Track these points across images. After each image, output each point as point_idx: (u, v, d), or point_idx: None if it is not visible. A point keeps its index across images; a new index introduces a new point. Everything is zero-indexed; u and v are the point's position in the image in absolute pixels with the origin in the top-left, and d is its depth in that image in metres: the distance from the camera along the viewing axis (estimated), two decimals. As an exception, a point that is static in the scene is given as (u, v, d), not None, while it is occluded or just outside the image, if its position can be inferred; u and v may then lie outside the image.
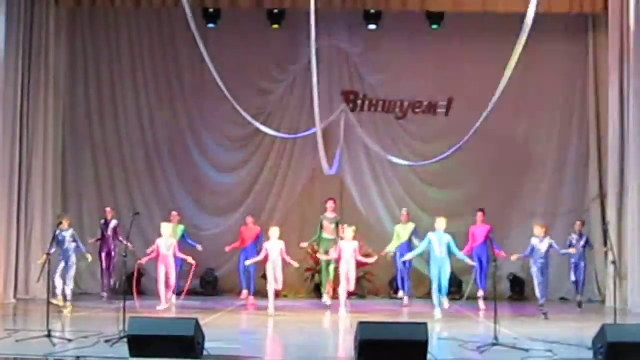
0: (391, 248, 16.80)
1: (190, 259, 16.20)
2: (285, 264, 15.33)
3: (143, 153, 19.42)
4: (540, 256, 14.81)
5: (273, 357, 10.82)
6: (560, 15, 18.25)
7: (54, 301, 14.91)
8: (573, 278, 16.37)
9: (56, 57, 18.01)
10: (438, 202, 18.96)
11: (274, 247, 15.19)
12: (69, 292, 15.19)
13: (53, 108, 17.96)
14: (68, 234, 15.39)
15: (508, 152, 19.14)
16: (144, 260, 15.82)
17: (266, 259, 15.28)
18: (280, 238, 15.35)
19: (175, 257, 15.80)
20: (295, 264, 15.59)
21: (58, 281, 15.12)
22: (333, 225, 16.51)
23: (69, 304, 15.04)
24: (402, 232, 16.91)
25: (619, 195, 17.12)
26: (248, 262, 15.96)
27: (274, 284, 15.11)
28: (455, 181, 19.24)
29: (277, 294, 15.68)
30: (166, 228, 15.79)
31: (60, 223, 14.93)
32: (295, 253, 16.14)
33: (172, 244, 15.62)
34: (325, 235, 16.53)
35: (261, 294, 16.43)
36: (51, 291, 15.43)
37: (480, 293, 16.32)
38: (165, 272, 15.54)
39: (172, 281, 15.77)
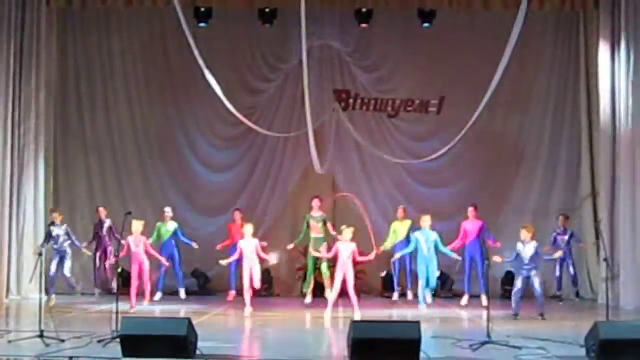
0: (388, 245, 16.79)
1: (164, 260, 16.27)
2: (262, 261, 15.21)
3: (135, 152, 19.41)
4: (525, 263, 14.56)
5: (266, 356, 10.81)
6: (552, 13, 18.30)
7: (51, 302, 14.95)
8: (558, 274, 16.37)
9: (47, 57, 17.96)
10: (430, 201, 18.98)
11: (248, 245, 14.96)
12: (73, 281, 15.37)
13: (44, 108, 17.90)
14: (62, 231, 15.41)
15: (500, 150, 19.16)
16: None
17: (242, 258, 15.08)
18: (272, 237, 15.30)
19: (148, 254, 15.62)
20: (272, 260, 15.45)
21: (54, 277, 15.21)
22: (320, 224, 16.26)
23: (78, 288, 15.25)
24: (399, 229, 16.90)
25: (610, 193, 17.14)
26: (223, 262, 15.65)
27: (248, 282, 14.89)
28: (447, 179, 19.26)
29: (255, 293, 15.35)
30: (136, 225, 15.54)
31: (52, 210, 14.88)
32: (286, 252, 16.06)
33: (141, 240, 15.39)
34: (313, 234, 16.27)
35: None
36: (47, 288, 15.63)
37: (465, 300, 16.33)
38: (139, 270, 15.35)
39: (146, 277, 15.56)
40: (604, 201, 17.34)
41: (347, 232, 15.04)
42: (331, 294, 15.07)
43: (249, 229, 15.17)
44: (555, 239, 16.08)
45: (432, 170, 18.96)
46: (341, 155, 19.10)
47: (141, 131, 19.41)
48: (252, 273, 14.82)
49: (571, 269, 16.30)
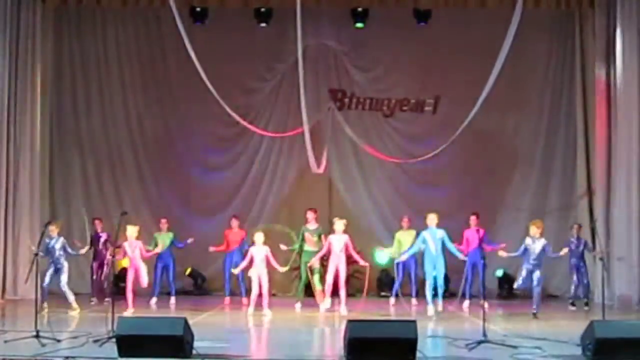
0: (393, 254, 16.60)
1: (158, 249, 16.14)
2: (270, 269, 15.17)
3: (131, 153, 19.41)
4: (533, 257, 14.62)
5: (262, 355, 10.81)
6: (547, 12, 18.32)
7: (44, 310, 14.84)
8: (575, 280, 16.30)
9: (43, 56, 17.95)
10: (425, 200, 18.91)
11: (259, 252, 14.95)
12: (71, 298, 15.14)
13: (40, 108, 17.91)
14: (58, 244, 15.17)
15: (496, 148, 19.18)
16: (116, 258, 15.57)
17: (251, 263, 15.09)
18: (268, 237, 15.22)
19: (144, 257, 15.52)
20: (282, 269, 15.34)
21: (47, 288, 15.06)
22: (316, 238, 15.94)
23: (75, 305, 15.04)
24: (403, 239, 16.76)
25: (606, 191, 17.17)
26: (235, 270, 15.73)
27: (257, 289, 14.88)
28: (443, 179, 19.24)
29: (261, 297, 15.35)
30: (130, 230, 15.38)
31: (49, 223, 14.76)
32: (281, 252, 16.03)
33: (136, 245, 15.25)
34: (307, 247, 15.96)
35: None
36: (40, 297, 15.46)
37: (466, 304, 16.21)
38: (135, 275, 15.27)
39: (144, 281, 15.42)
40: (600, 199, 17.36)
41: (339, 224, 14.95)
42: (324, 285, 15.05)
43: (259, 236, 15.13)
44: (569, 247, 15.99)
45: (428, 170, 18.93)
46: (337, 155, 19.12)
47: (137, 131, 19.41)
48: (260, 280, 14.83)
49: (584, 279, 16.25)
